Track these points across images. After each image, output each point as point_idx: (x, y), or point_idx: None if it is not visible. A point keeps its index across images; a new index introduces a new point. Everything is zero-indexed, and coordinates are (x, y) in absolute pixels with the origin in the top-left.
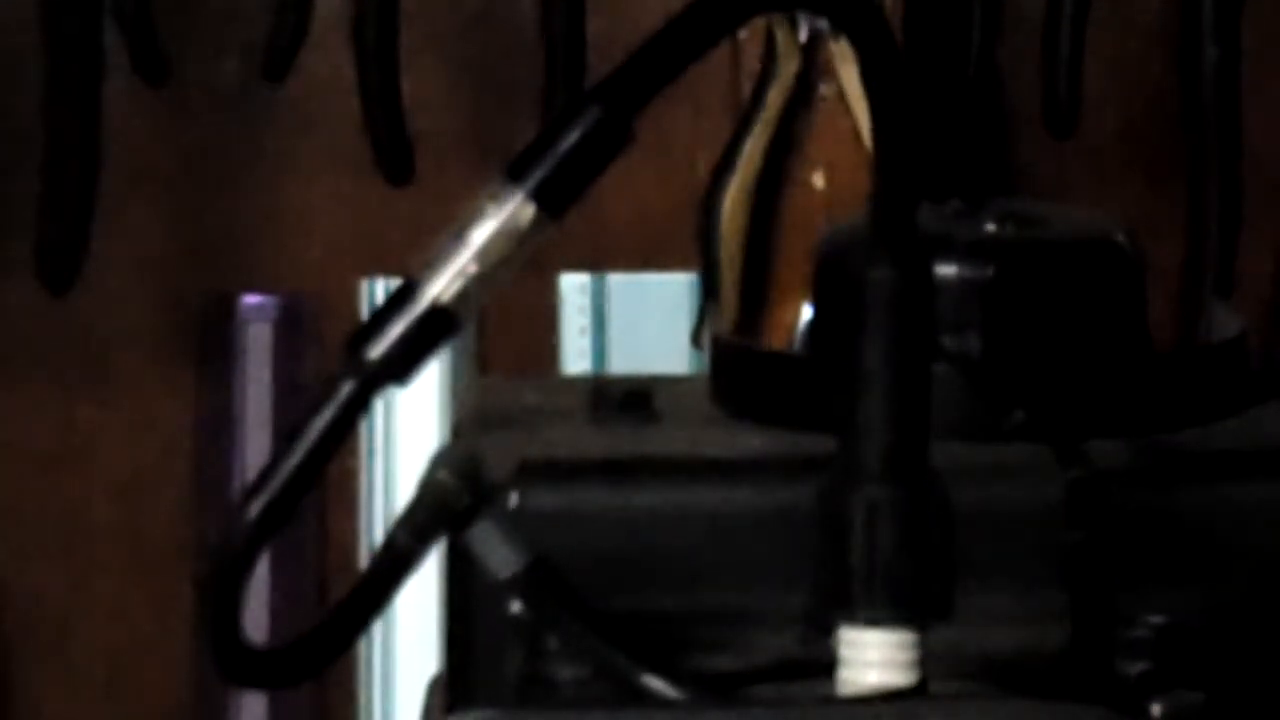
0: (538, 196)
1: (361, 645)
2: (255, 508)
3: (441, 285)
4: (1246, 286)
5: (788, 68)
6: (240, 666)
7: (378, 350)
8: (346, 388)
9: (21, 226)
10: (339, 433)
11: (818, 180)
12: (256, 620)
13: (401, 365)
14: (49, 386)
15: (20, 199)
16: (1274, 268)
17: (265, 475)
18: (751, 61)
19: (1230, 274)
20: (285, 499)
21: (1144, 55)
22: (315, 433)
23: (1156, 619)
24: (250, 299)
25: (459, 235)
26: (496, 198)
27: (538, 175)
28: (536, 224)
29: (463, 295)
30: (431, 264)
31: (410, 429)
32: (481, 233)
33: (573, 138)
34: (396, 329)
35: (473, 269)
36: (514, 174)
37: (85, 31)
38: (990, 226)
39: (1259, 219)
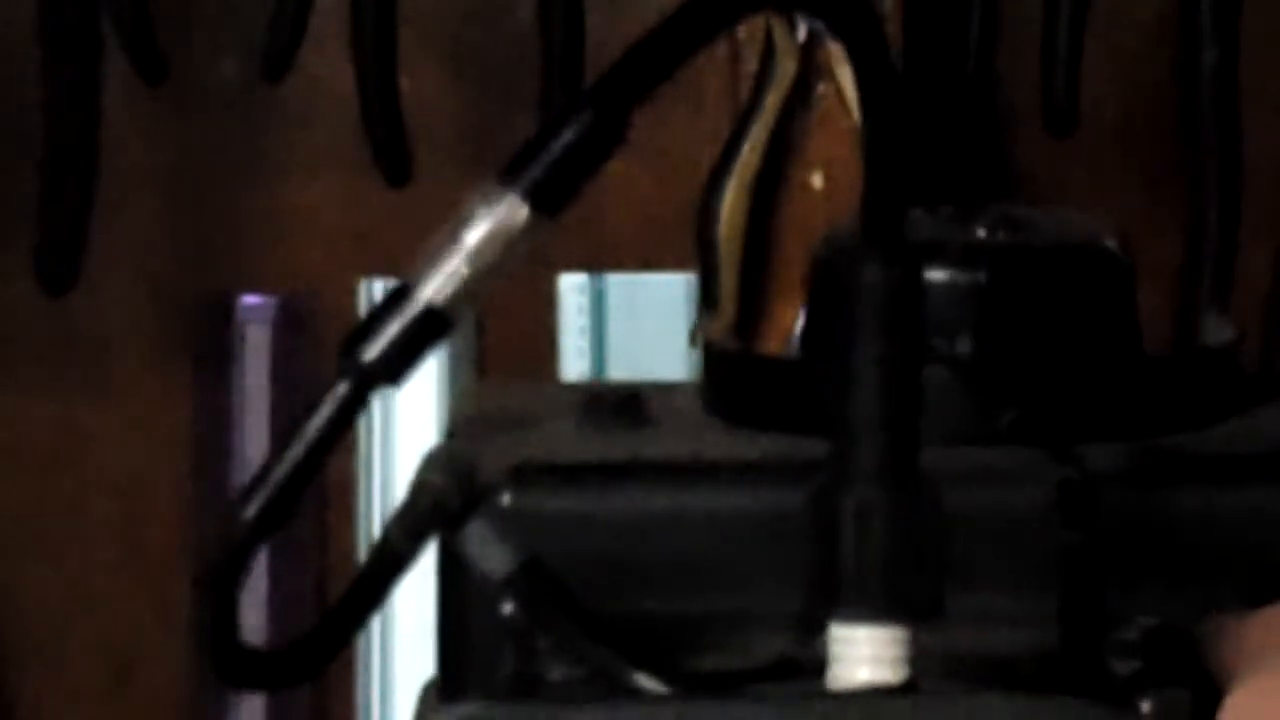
0: (531, 197)
1: (359, 645)
2: (252, 509)
3: (435, 287)
4: (1245, 287)
5: (786, 68)
6: (237, 669)
7: (372, 351)
8: (342, 388)
9: (20, 226)
10: (335, 433)
11: (816, 180)
12: (256, 621)
13: (396, 366)
14: (47, 387)
15: (19, 199)
16: (1273, 268)
17: (261, 476)
18: (751, 62)
19: (1229, 275)
20: (282, 500)
21: (1143, 55)
22: (311, 433)
23: (1148, 620)
24: (248, 299)
25: (453, 237)
26: (490, 199)
27: (531, 176)
28: (531, 225)
29: (457, 297)
30: (426, 266)
31: (408, 430)
32: (475, 234)
33: (566, 138)
34: (391, 330)
35: (466, 270)
36: (507, 175)
37: (83, 31)
38: (982, 232)
39: (1258, 219)
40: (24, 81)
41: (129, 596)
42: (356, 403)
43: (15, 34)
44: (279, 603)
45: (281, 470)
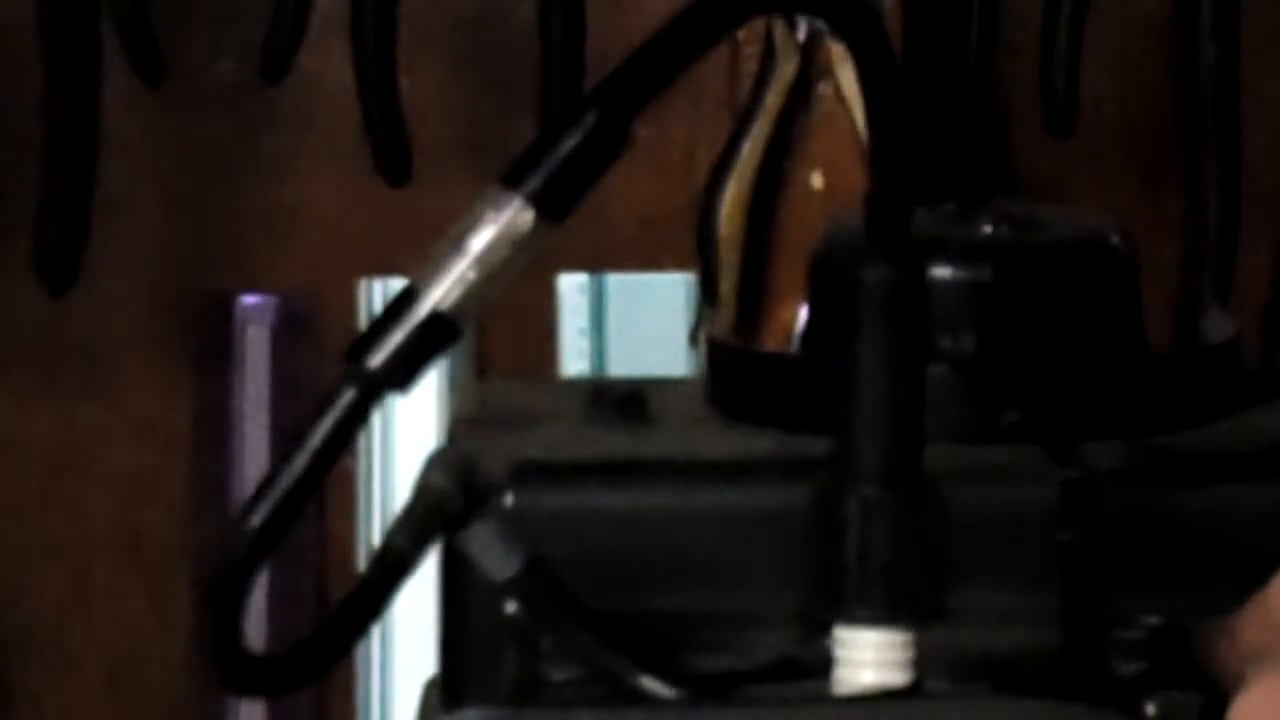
0: (536, 202)
1: (360, 645)
2: (256, 518)
3: (441, 292)
4: (1245, 286)
5: (786, 67)
6: (241, 675)
7: (378, 359)
8: (346, 396)
9: (21, 226)
10: (339, 441)
11: (816, 180)
12: (255, 621)
13: (402, 373)
14: (48, 387)
15: (20, 199)
16: (1273, 268)
17: (266, 484)
18: (750, 62)
19: (1229, 274)
20: (286, 508)
21: (1143, 55)
22: (316, 441)
23: (1151, 619)
24: (248, 299)
25: (458, 242)
26: (495, 204)
27: (536, 181)
28: (535, 230)
29: (462, 302)
30: (431, 271)
31: (409, 430)
32: (480, 239)
33: (571, 143)
34: (396, 337)
35: (472, 275)
36: (512, 180)
37: (83, 32)
38: (986, 228)
39: (1258, 219)
40: (24, 81)
41: (129, 596)
42: (362, 411)
43: (15, 34)
44: (278, 602)
45: (286, 479)
